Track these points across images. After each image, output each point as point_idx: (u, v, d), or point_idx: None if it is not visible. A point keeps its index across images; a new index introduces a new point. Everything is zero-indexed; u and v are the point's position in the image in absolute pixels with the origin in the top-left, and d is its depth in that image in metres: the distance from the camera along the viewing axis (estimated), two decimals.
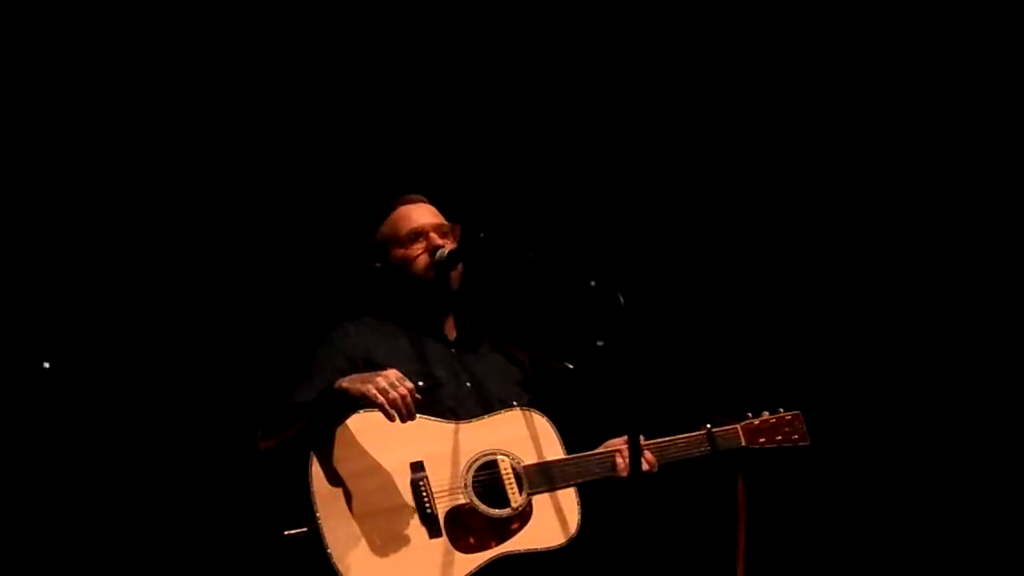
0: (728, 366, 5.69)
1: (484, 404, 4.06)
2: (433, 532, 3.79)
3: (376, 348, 4.04)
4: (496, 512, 3.85)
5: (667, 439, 4.12)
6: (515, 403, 4.06)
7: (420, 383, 3.94)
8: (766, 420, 4.25)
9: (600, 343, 4.45)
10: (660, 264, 5.71)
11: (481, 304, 4.33)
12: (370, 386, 3.71)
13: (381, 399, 3.69)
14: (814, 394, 4.73)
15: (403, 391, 3.71)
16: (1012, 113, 5.73)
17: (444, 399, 4.03)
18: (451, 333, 4.20)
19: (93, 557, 5.15)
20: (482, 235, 4.05)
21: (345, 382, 3.77)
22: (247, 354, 5.27)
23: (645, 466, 3.98)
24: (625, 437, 3.98)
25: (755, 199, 5.85)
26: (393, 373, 3.76)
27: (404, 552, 3.75)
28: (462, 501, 3.84)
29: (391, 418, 3.70)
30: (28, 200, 5.16)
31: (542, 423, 4.03)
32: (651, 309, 5.11)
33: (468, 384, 4.10)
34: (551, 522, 3.90)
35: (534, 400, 4.14)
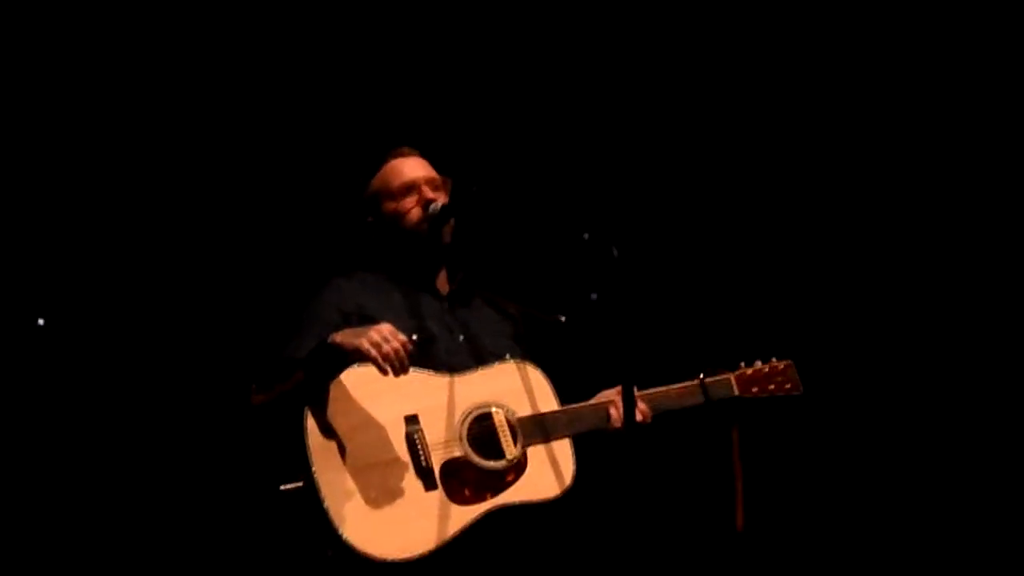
0: (720, 317, 5.71)
1: (477, 358, 4.05)
2: (429, 485, 3.80)
3: (368, 302, 4.03)
4: (491, 464, 3.85)
5: (660, 389, 4.12)
6: (508, 356, 4.06)
7: (413, 337, 3.94)
8: (759, 369, 4.25)
9: (594, 296, 4.47)
10: (652, 215, 5.72)
11: (473, 258, 4.32)
12: (363, 340, 3.71)
13: (374, 353, 3.69)
14: (806, 344, 4.73)
15: (396, 344, 3.71)
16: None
17: (438, 353, 4.02)
18: (443, 287, 4.19)
19: (86, 512, 5.18)
20: (475, 188, 4.05)
21: (338, 336, 3.76)
22: (241, 309, 5.28)
23: (639, 416, 3.98)
24: (618, 388, 3.98)
25: (747, 147, 5.84)
26: (386, 327, 3.75)
27: (400, 505, 3.75)
28: (457, 454, 3.84)
29: (384, 372, 3.70)
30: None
31: (536, 375, 4.03)
32: (644, 260, 5.12)
33: (461, 338, 4.09)
34: (546, 473, 3.90)
35: (527, 354, 4.12)
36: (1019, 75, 5.74)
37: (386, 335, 3.72)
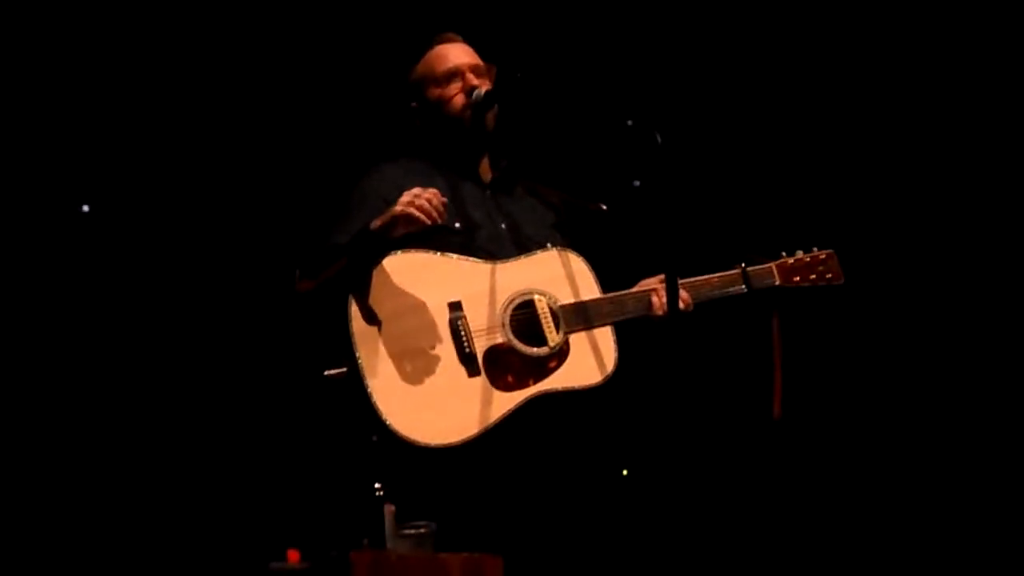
0: (762, 206, 5.69)
1: (519, 246, 4.05)
2: (472, 371, 3.83)
3: (412, 189, 4.03)
4: (534, 351, 3.87)
5: (702, 278, 4.11)
6: (550, 244, 4.06)
7: (456, 225, 3.97)
8: (800, 259, 4.23)
9: (637, 183, 4.45)
10: (695, 101, 5.68)
11: (516, 146, 4.31)
12: (397, 207, 3.74)
13: (410, 210, 3.71)
14: (848, 234, 4.71)
15: (428, 195, 3.74)
16: None
17: (480, 240, 4.03)
18: (486, 175, 4.19)
19: (144, 389, 5.26)
20: (519, 75, 4.01)
21: (377, 220, 3.79)
22: (287, 196, 5.30)
23: (681, 304, 3.96)
24: (660, 276, 4.01)
25: (793, 38, 5.78)
26: (415, 188, 3.77)
27: (443, 390, 3.79)
28: (500, 340, 3.87)
29: (423, 223, 3.72)
30: None
31: (578, 263, 4.03)
32: (687, 148, 5.09)
33: (503, 226, 4.09)
34: (588, 360, 3.92)
35: (569, 242, 4.13)
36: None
37: (416, 192, 3.75)
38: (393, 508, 3.49)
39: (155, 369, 5.31)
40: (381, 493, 3.73)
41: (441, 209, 3.77)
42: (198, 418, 5.32)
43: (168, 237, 5.34)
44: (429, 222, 3.74)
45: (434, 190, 3.77)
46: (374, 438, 3.78)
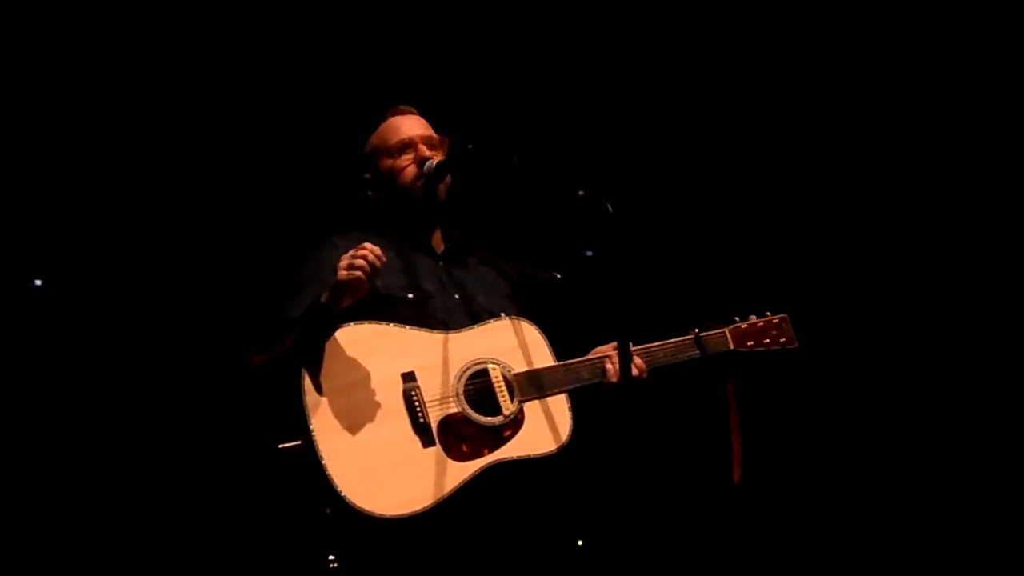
0: (715, 273, 5.72)
1: (473, 316, 4.06)
2: (426, 441, 3.81)
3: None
4: (488, 420, 3.87)
5: (655, 344, 4.12)
6: (503, 314, 4.07)
7: (409, 296, 3.97)
8: (754, 323, 4.25)
9: (590, 253, 4.46)
10: (646, 171, 5.72)
11: (469, 217, 4.32)
12: (339, 271, 3.74)
13: (348, 273, 3.72)
14: (801, 298, 4.74)
15: (361, 252, 3.74)
16: None
17: (434, 311, 4.03)
18: (439, 246, 4.20)
19: (83, 468, 5.20)
20: (470, 146, 4.03)
21: (327, 292, 3.79)
22: (239, 270, 5.29)
23: (635, 371, 3.99)
24: (613, 344, 4.02)
25: (741, 106, 5.84)
26: (347, 253, 3.77)
27: (398, 461, 3.77)
28: (454, 410, 3.86)
29: (362, 279, 3.72)
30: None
31: (531, 331, 4.04)
32: (638, 217, 5.12)
33: (456, 296, 4.10)
34: (543, 429, 3.91)
35: (522, 311, 4.13)
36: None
37: (348, 255, 3.76)
38: None
39: (111, 443, 5.26)
40: (335, 566, 3.71)
41: (378, 252, 3.77)
42: (152, 493, 5.26)
43: (121, 309, 5.31)
44: (371, 271, 3.74)
45: (366, 243, 3.77)
46: (328, 510, 3.75)
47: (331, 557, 3.79)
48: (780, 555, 5.72)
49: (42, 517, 5.19)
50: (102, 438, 5.26)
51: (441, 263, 4.17)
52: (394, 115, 4.21)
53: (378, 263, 3.77)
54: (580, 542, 5.32)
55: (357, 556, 3.78)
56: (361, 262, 3.74)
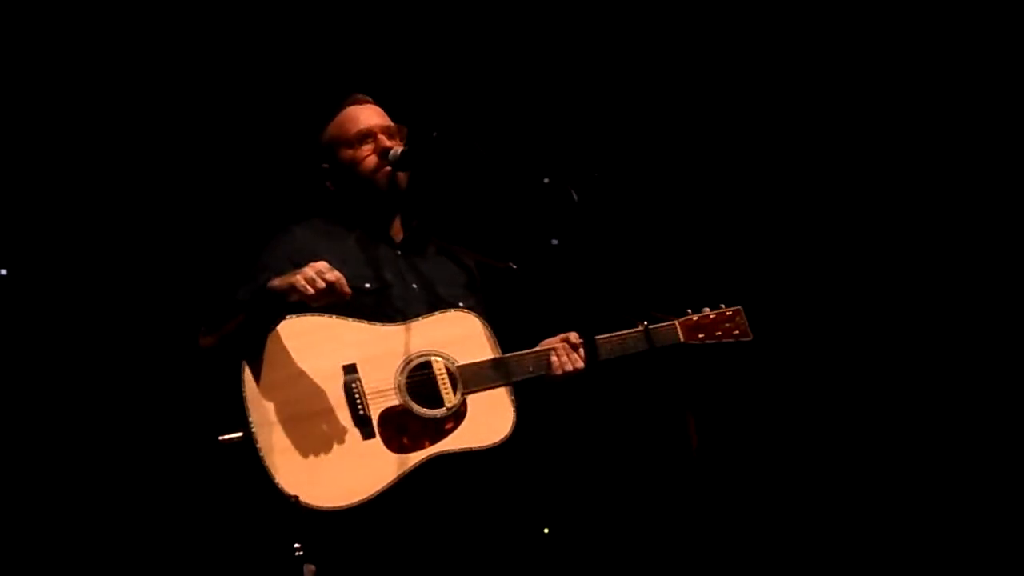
0: (672, 264, 5.70)
1: (431, 305, 4.05)
2: (366, 433, 3.82)
3: (323, 251, 4.00)
4: (430, 412, 3.87)
5: (603, 336, 4.09)
6: (461, 304, 4.06)
7: (367, 285, 3.96)
8: (705, 316, 4.21)
9: (555, 242, 4.44)
10: (612, 157, 5.70)
11: (428, 206, 4.31)
12: (298, 277, 3.72)
13: (310, 290, 3.70)
14: (761, 290, 4.71)
15: (331, 278, 3.72)
16: None
17: (392, 301, 4.03)
18: (398, 235, 4.19)
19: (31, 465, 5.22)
20: (435, 135, 4.00)
21: (276, 280, 3.77)
22: (197, 258, 5.29)
23: (580, 363, 3.99)
24: (561, 336, 4.03)
25: (703, 97, 5.81)
26: (321, 264, 3.75)
27: (337, 454, 3.78)
28: (396, 402, 3.86)
29: (315, 297, 3.70)
30: None
31: (477, 324, 4.03)
32: (603, 205, 5.09)
33: (415, 286, 4.09)
34: (486, 421, 3.92)
35: (480, 302, 4.13)
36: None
37: (320, 269, 3.73)
38: (313, 568, 3.49)
39: (60, 434, 5.28)
40: (301, 554, 3.72)
41: (347, 291, 3.74)
42: (109, 488, 5.28)
43: (76, 293, 5.33)
44: (322, 297, 3.72)
45: (338, 274, 3.75)
46: (293, 499, 3.73)
47: (296, 545, 3.78)
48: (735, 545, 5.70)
49: None
50: (54, 425, 5.28)
51: (400, 253, 4.16)
52: (351, 104, 4.19)
53: (335, 296, 3.74)
54: (546, 530, 5.32)
55: (323, 545, 3.76)
56: (321, 285, 3.71)
